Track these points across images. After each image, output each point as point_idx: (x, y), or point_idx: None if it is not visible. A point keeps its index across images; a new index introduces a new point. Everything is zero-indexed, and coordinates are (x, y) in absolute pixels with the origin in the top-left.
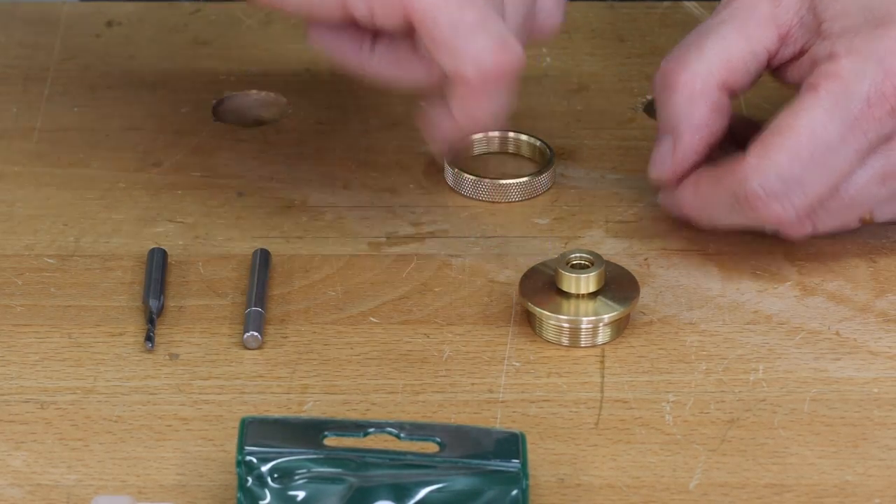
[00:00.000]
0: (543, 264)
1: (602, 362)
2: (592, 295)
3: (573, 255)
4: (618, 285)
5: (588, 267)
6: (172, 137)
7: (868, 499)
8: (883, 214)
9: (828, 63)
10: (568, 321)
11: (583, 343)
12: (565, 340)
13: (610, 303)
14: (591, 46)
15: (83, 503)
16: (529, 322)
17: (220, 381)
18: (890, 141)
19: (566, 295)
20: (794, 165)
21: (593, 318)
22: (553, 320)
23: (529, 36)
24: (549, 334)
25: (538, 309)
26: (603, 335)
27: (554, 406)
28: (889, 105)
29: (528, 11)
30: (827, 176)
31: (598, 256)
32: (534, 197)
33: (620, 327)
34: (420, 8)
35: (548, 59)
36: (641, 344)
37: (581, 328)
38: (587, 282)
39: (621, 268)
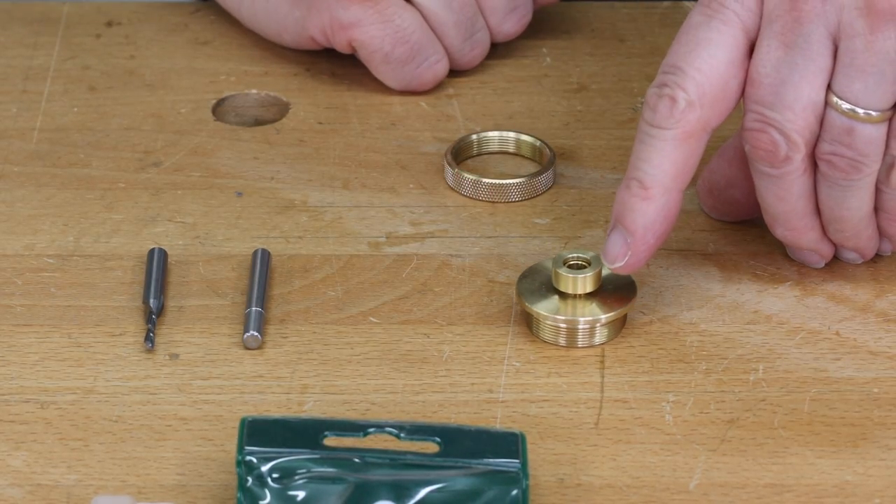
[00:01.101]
0: (540, 264)
1: (602, 362)
2: (590, 295)
3: (570, 256)
4: (615, 286)
5: (585, 267)
6: (172, 137)
7: (868, 499)
8: None
9: None
10: (565, 321)
11: (580, 343)
12: (562, 341)
13: (607, 303)
14: (591, 46)
15: (83, 503)
16: (527, 322)
17: (220, 381)
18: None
19: (563, 295)
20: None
21: (590, 318)
22: (550, 321)
23: (535, 4)
24: (547, 335)
25: (535, 309)
26: (600, 335)
27: (554, 406)
28: None
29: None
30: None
31: (595, 257)
32: (534, 197)
33: (618, 328)
34: (360, 42)
35: (548, 59)
36: (641, 344)
37: (578, 328)
38: (584, 282)
39: None
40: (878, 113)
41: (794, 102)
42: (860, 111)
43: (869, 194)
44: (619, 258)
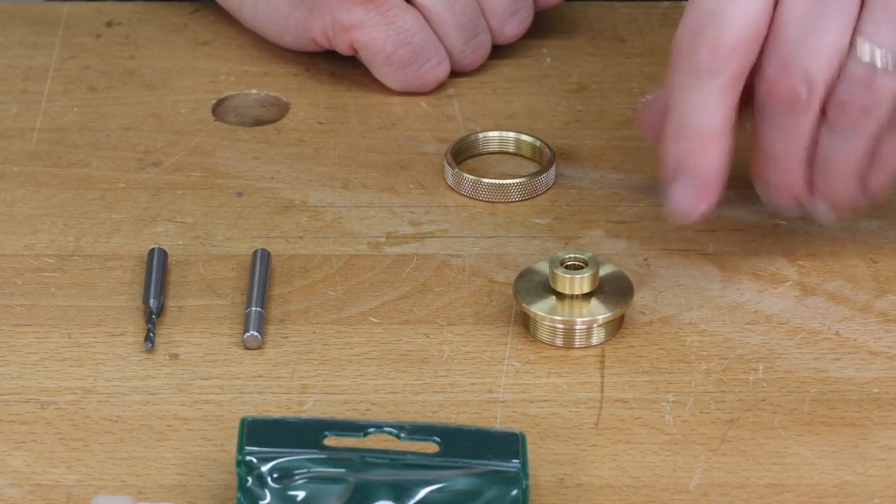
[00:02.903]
0: (538, 265)
1: (602, 362)
2: (587, 296)
3: (567, 256)
4: (612, 286)
5: (582, 268)
6: (172, 137)
7: (868, 499)
8: None
9: None
10: (562, 322)
11: (577, 344)
12: (559, 341)
13: (604, 303)
14: (591, 46)
15: (83, 503)
16: (524, 323)
17: (220, 381)
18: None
19: (560, 296)
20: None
21: (588, 318)
22: (547, 321)
23: (535, 6)
24: (544, 335)
25: (532, 310)
26: (597, 336)
27: (554, 406)
28: None
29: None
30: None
31: (592, 257)
32: (534, 197)
33: (615, 328)
34: (362, 44)
35: (548, 59)
36: (641, 344)
37: (575, 329)
38: (581, 282)
39: (616, 268)
40: None
41: (821, 48)
42: (883, 58)
43: (868, 144)
44: (693, 207)
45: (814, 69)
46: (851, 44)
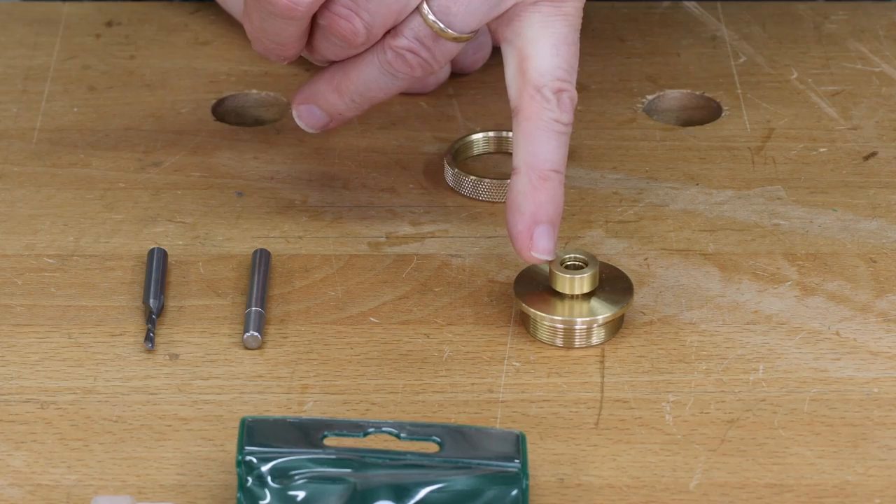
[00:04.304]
0: (537, 265)
1: (602, 362)
2: (587, 296)
3: (567, 256)
4: (612, 286)
5: (582, 268)
6: (172, 137)
7: (868, 499)
8: None
9: None
10: (562, 322)
11: (577, 344)
12: (559, 341)
13: (604, 303)
14: (591, 46)
15: (83, 503)
16: (524, 323)
17: (220, 381)
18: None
19: (560, 296)
20: None
21: (588, 318)
22: (547, 321)
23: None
24: (544, 335)
25: (532, 310)
26: (597, 336)
27: (554, 406)
28: None
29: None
30: None
31: (592, 257)
32: None
33: (615, 328)
34: None
35: None
36: (641, 344)
37: (575, 329)
38: (581, 282)
39: (616, 268)
40: (462, 34)
41: (391, 3)
42: (446, 29)
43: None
44: (553, 250)
45: (379, 17)
46: (420, 5)
